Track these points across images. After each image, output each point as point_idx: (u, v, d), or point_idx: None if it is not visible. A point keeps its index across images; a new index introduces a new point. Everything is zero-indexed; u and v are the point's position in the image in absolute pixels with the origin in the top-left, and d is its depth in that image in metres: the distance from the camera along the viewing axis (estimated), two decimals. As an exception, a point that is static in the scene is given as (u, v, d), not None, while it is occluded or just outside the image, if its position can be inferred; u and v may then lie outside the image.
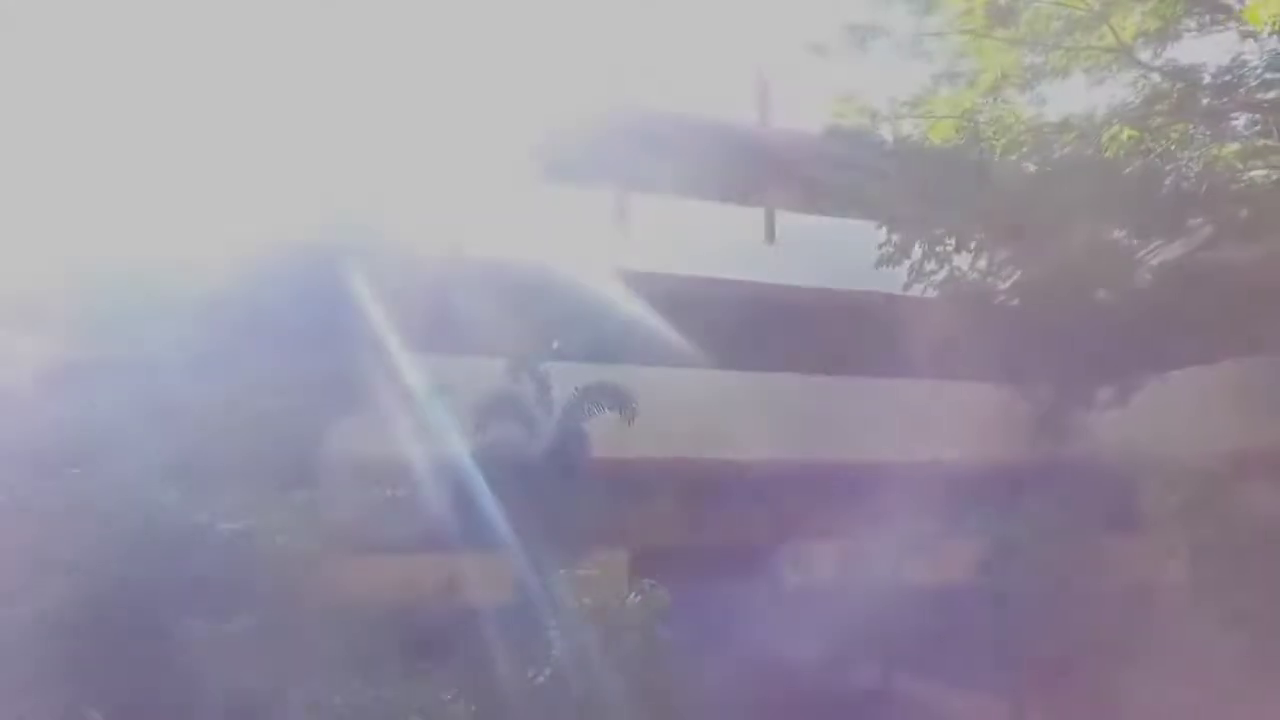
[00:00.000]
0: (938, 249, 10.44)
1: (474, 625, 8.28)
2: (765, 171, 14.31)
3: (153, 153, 9.24)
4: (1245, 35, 9.28)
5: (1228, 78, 9.14)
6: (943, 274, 10.72)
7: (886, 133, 10.28)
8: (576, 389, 10.38)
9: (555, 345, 12.18)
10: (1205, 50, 9.73)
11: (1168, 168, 9.61)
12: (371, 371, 9.85)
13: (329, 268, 9.83)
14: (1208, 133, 9.67)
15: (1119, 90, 9.92)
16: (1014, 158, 9.59)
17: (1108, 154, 8.81)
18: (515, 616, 8.31)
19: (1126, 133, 8.73)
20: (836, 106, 9.87)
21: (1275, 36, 8.84)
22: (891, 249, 10.42)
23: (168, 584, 6.57)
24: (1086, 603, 9.65)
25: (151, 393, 7.45)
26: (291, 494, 7.81)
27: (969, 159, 9.71)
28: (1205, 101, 9.44)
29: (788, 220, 14.30)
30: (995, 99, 9.63)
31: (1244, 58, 9.27)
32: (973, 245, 10.49)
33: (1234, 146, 9.31)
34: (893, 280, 10.98)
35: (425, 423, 9.90)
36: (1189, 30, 9.40)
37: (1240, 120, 9.82)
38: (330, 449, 9.52)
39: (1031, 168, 9.73)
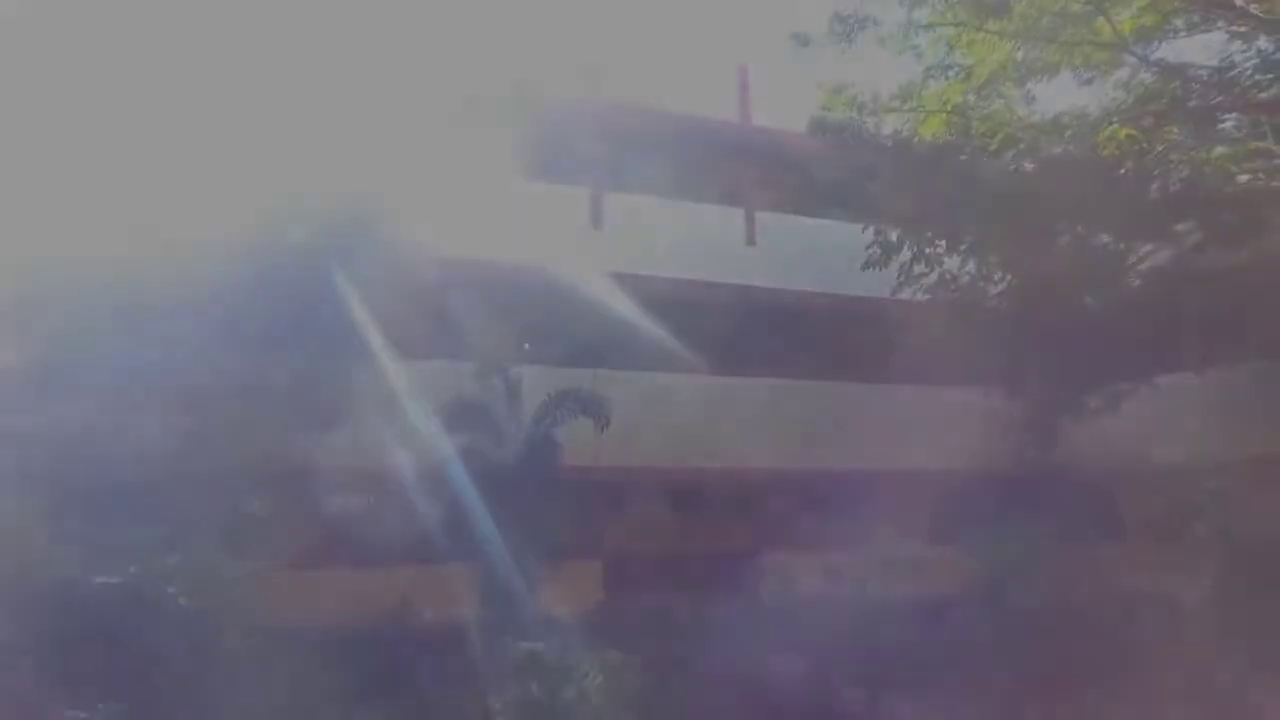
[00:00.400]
0: (927, 251, 10.19)
1: (420, 663, 7.64)
2: (747, 170, 14.04)
3: (115, 150, 8.75)
4: (1234, 36, 9.18)
5: (1220, 77, 9.00)
6: (933, 277, 10.47)
7: (874, 127, 9.99)
8: (548, 395, 10.04)
9: (526, 348, 11.82)
10: (1190, 52, 9.63)
11: (1155, 171, 9.46)
12: (334, 376, 9.38)
13: (292, 268, 9.30)
14: (1194, 135, 9.54)
15: (1109, 90, 9.80)
16: (1008, 156, 9.37)
17: (1105, 153, 8.60)
18: (472, 649, 7.78)
19: (1124, 133, 8.52)
20: (825, 99, 9.57)
21: (1264, 36, 8.75)
22: (878, 251, 10.13)
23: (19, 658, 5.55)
24: (1076, 615, 9.45)
25: (69, 406, 6.61)
26: (230, 514, 6.95)
27: (959, 157, 9.48)
28: (1193, 103, 9.31)
29: (769, 221, 14.01)
30: (987, 94, 9.40)
31: (1231, 59, 9.15)
32: (963, 248, 10.26)
33: (1223, 149, 9.18)
34: (877, 283, 10.70)
35: (390, 429, 9.41)
36: (1178, 31, 9.28)
37: (1229, 122, 9.72)
38: (286, 459, 8.95)
39: (1027, 166, 9.53)
